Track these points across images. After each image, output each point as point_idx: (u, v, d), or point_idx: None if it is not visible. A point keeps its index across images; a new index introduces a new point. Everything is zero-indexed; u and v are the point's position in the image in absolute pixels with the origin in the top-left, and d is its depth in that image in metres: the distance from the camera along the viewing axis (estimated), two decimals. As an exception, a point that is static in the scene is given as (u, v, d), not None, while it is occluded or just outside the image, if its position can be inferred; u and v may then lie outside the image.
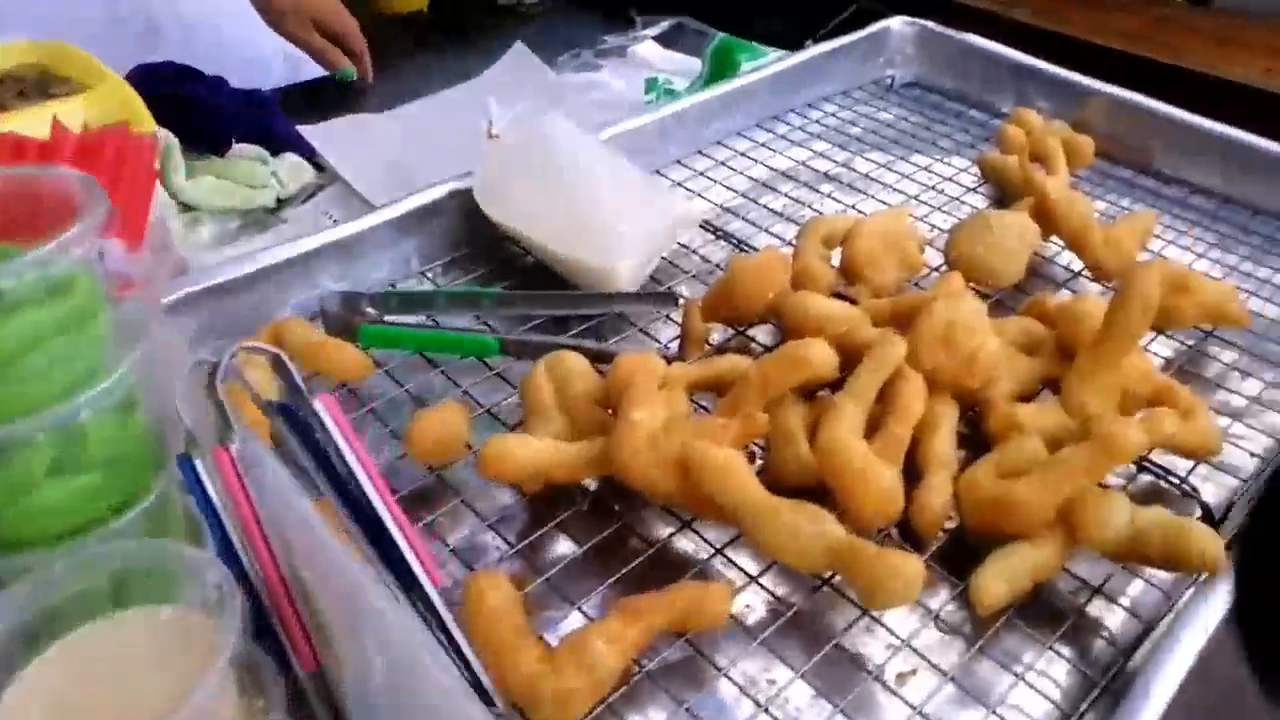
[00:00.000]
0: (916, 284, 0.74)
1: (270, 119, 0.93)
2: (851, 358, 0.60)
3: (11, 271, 0.35)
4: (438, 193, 0.76)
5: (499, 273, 0.76)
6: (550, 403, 0.58)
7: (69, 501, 0.38)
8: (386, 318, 0.68)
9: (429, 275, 0.76)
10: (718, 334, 0.71)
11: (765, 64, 1.00)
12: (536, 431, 0.57)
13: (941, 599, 0.53)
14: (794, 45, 1.05)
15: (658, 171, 0.89)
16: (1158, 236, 0.80)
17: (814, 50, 1.02)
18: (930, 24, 1.06)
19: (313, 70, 1.12)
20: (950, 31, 1.05)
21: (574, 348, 0.62)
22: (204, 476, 0.39)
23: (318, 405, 0.41)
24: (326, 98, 1.08)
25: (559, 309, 0.70)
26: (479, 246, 0.78)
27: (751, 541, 0.51)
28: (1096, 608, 0.53)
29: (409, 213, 0.75)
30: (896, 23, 1.06)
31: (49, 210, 0.38)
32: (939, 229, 0.80)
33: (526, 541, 0.55)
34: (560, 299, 0.70)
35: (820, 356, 0.57)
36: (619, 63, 1.15)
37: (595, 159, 0.75)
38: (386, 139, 0.95)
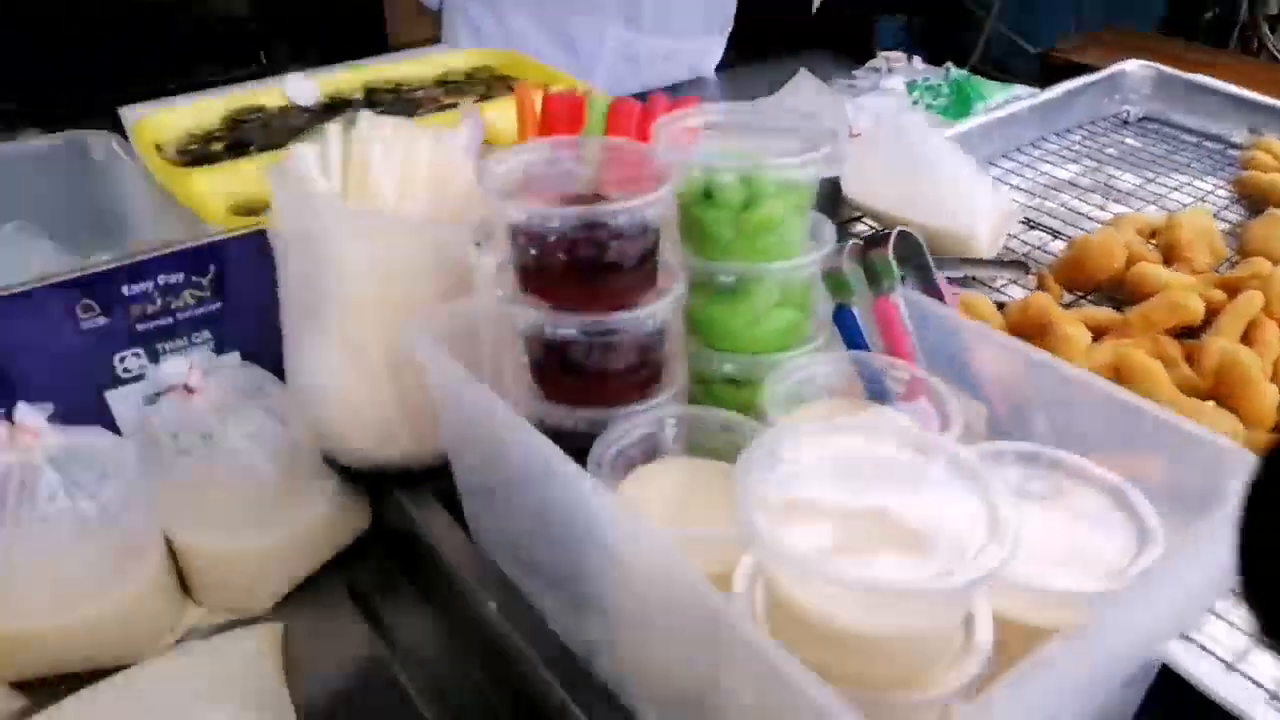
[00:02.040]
0: (1215, 270, 0.89)
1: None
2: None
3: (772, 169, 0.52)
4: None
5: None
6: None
7: (783, 328, 0.54)
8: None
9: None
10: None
11: (1016, 96, 1.18)
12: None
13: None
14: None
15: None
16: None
17: (1062, 87, 1.19)
18: (1163, 66, 1.22)
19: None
20: (1181, 73, 1.21)
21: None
22: (860, 321, 0.55)
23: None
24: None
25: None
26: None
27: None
28: None
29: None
30: (1132, 65, 1.23)
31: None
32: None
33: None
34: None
35: (1195, 303, 0.73)
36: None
37: (942, 149, 0.91)
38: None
